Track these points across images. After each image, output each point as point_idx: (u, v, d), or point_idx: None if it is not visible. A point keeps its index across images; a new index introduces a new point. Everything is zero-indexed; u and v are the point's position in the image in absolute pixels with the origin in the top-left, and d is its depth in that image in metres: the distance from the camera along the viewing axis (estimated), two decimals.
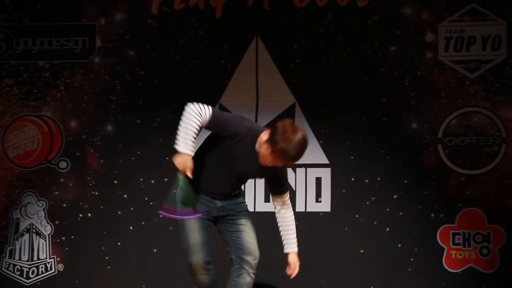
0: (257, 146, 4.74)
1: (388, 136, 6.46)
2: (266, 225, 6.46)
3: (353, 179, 6.49)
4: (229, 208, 5.03)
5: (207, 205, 4.96)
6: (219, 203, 4.99)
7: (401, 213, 6.44)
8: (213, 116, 4.68)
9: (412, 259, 6.42)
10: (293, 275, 5.12)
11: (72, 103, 6.71)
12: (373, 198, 6.47)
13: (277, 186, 5.01)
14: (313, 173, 6.53)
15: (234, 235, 5.03)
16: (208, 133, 4.86)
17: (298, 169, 6.52)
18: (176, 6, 6.62)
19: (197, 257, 4.90)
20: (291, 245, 5.12)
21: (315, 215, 6.51)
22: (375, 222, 6.46)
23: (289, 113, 6.52)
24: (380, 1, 6.45)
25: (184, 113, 4.65)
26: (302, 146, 4.67)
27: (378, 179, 6.47)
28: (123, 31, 6.67)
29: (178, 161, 4.64)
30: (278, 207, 5.10)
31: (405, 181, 6.44)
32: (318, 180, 6.53)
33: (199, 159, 4.84)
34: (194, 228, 4.92)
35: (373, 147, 6.46)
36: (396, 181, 6.45)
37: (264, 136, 4.70)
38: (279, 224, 5.13)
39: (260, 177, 5.16)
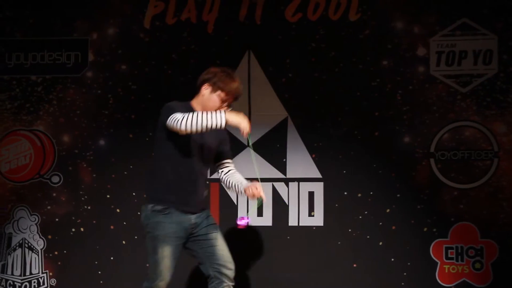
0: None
1: (380, 150, 6.46)
2: (258, 240, 6.51)
3: (345, 193, 6.49)
4: (200, 222, 5.06)
5: (181, 225, 4.99)
6: (192, 219, 5.02)
7: (394, 227, 6.44)
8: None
9: (405, 273, 6.41)
10: (258, 190, 5.07)
11: (64, 118, 6.71)
12: (366, 212, 6.46)
13: (227, 149, 5.22)
14: (305, 187, 6.52)
15: (208, 250, 5.06)
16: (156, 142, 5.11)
17: (290, 183, 6.52)
18: (168, 20, 6.62)
19: (164, 282, 4.97)
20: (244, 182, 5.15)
21: (308, 229, 6.50)
22: (368, 236, 6.45)
23: (281, 127, 6.53)
24: (372, 16, 6.46)
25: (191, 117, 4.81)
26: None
27: (371, 193, 6.46)
28: (115, 46, 6.67)
29: (237, 119, 4.85)
30: (226, 170, 5.22)
31: (398, 195, 6.43)
32: (311, 194, 6.52)
33: (160, 167, 4.98)
34: (167, 256, 4.96)
35: (366, 161, 6.46)
36: (388, 195, 6.44)
37: (204, 91, 5.04)
38: (228, 180, 5.20)
39: (215, 143, 5.16)
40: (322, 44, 6.50)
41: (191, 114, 4.83)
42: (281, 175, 6.52)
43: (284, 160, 6.54)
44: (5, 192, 6.72)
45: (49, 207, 6.69)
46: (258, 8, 6.53)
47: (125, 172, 6.63)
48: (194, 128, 4.79)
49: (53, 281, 6.66)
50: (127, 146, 6.64)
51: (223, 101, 5.06)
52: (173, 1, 6.60)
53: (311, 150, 6.52)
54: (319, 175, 6.52)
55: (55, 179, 6.70)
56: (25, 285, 6.67)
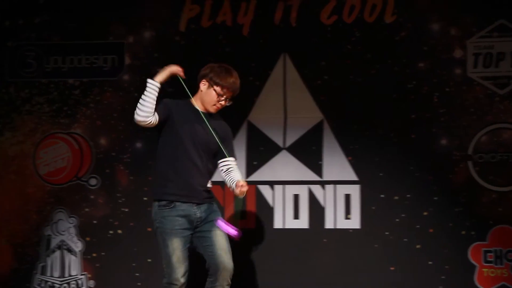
0: (197, 106, 5.19)
1: (417, 153, 6.40)
2: (295, 243, 6.49)
3: (382, 195, 6.44)
4: (205, 217, 5.16)
5: (186, 217, 5.10)
6: (198, 212, 5.13)
7: (431, 230, 6.38)
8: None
9: (443, 277, 6.34)
10: (243, 189, 5.10)
11: (101, 121, 6.76)
12: (403, 215, 6.41)
13: (229, 147, 5.23)
14: (342, 190, 6.49)
15: (209, 249, 5.14)
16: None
17: (327, 186, 6.49)
18: (203, 23, 6.64)
19: (179, 273, 5.06)
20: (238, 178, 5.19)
21: (344, 232, 6.47)
22: (405, 239, 6.40)
23: (317, 129, 6.50)
24: (408, 18, 6.40)
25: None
26: (231, 68, 5.28)
27: (408, 196, 6.41)
28: (151, 49, 6.70)
29: (165, 71, 5.19)
30: (225, 168, 5.25)
31: (435, 198, 6.37)
32: (347, 197, 6.49)
33: (159, 165, 5.17)
34: (177, 248, 5.08)
35: (403, 164, 6.41)
36: (426, 198, 6.38)
37: (202, 86, 5.21)
38: (225, 177, 5.26)
39: (213, 139, 5.19)
40: (358, 46, 6.46)
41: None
42: (317, 178, 6.50)
43: (320, 162, 6.51)
44: (44, 195, 6.80)
45: (87, 210, 6.75)
46: (293, 10, 6.51)
47: None
48: (143, 111, 5.07)
49: (92, 283, 6.72)
50: None
51: (219, 95, 5.18)
52: (209, 4, 6.61)
53: (347, 152, 6.48)
54: (355, 178, 6.48)
55: (93, 181, 6.76)
56: (64, 287, 6.73)
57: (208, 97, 5.18)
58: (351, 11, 6.46)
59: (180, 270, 5.07)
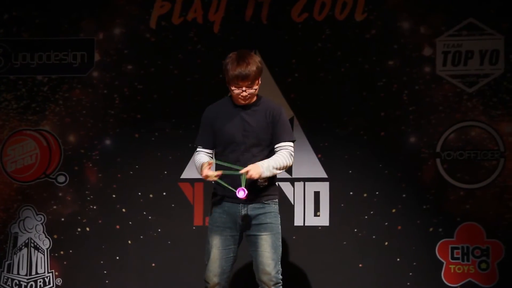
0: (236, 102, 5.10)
1: (386, 151, 6.46)
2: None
3: (351, 193, 6.49)
4: (253, 217, 5.02)
5: (231, 216, 5.01)
6: (243, 210, 5.02)
7: (399, 227, 6.44)
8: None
9: (411, 274, 6.41)
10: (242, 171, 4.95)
11: (70, 118, 6.72)
12: (371, 212, 6.46)
13: (276, 133, 5.07)
14: (311, 187, 6.53)
15: (253, 254, 5.05)
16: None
17: (296, 183, 6.52)
18: (174, 20, 6.63)
19: (212, 272, 4.99)
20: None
21: (313, 229, 6.51)
22: (374, 236, 6.45)
23: None
24: (378, 16, 6.45)
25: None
26: (242, 54, 5.02)
27: (377, 193, 6.46)
28: (121, 46, 6.67)
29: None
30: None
31: (404, 195, 6.43)
32: (317, 194, 6.52)
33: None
34: (215, 245, 5.01)
35: (372, 161, 6.46)
36: (394, 195, 6.44)
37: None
38: None
39: (258, 130, 5.07)
40: (328, 44, 6.50)
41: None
42: (286, 175, 6.51)
43: None
44: (11, 192, 6.74)
45: (55, 207, 6.70)
46: (264, 8, 6.53)
47: (131, 172, 6.64)
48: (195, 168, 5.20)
49: (59, 281, 6.68)
50: (133, 146, 6.64)
51: (236, 89, 5.02)
52: (179, 1, 6.61)
53: (317, 150, 6.52)
54: (324, 175, 6.52)
55: (61, 178, 6.71)
56: (31, 285, 6.68)
57: (232, 93, 5.06)
58: (322, 9, 6.49)
59: (213, 269, 4.98)
